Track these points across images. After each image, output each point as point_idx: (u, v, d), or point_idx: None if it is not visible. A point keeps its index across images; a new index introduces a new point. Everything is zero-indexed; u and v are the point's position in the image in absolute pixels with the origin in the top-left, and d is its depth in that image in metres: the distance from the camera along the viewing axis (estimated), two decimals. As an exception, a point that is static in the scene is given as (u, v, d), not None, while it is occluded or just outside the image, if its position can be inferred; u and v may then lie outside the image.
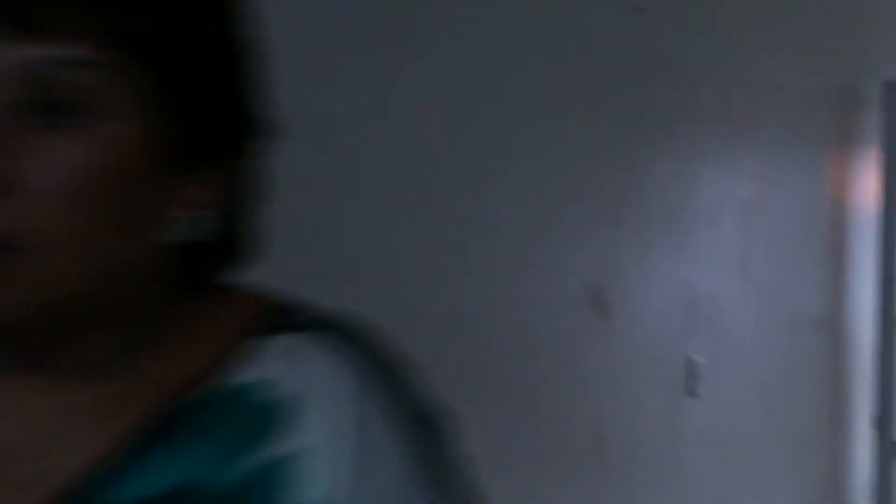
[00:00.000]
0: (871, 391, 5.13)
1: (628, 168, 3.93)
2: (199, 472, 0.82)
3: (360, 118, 3.10)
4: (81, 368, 0.83)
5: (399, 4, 3.21)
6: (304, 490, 0.84)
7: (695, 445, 4.03)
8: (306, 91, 2.69)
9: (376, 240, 3.15)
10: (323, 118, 2.91)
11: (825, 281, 5.12)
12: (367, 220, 3.13)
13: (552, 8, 3.64)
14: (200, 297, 0.91)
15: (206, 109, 0.84)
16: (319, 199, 2.92)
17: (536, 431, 3.52)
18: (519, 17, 3.55)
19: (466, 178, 3.42)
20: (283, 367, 0.87)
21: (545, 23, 3.62)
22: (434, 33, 3.31)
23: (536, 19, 3.60)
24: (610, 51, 3.87)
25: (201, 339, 0.89)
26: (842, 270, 5.21)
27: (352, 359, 0.90)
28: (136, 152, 0.78)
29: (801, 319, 4.90)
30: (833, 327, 5.17)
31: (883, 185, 5.12)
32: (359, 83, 3.09)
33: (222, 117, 0.87)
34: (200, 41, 0.83)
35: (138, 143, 0.78)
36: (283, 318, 0.92)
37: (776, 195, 4.64)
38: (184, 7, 0.83)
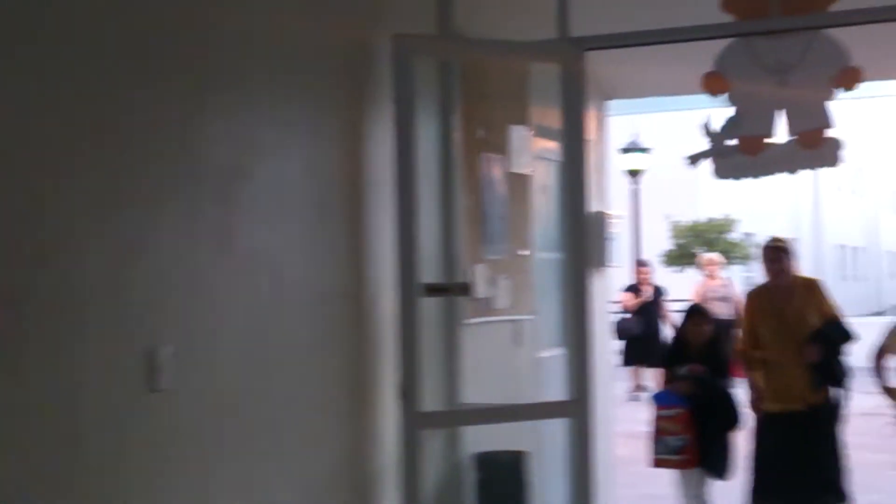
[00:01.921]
0: (395, 362, 4.93)
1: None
2: None
3: None
4: None
5: None
6: None
7: (167, 442, 3.62)
8: None
9: None
10: None
11: (341, 249, 4.84)
12: None
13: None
14: None
15: None
16: None
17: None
18: None
19: None
20: None
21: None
22: None
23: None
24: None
25: None
26: (359, 238, 4.96)
27: None
28: None
29: (315, 292, 4.59)
30: (353, 298, 4.91)
31: (397, 144, 4.89)
32: None
33: None
34: None
35: None
36: None
37: (271, 160, 4.28)
38: None
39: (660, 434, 7.38)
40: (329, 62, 4.80)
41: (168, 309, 3.69)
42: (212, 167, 3.93)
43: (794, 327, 6.94)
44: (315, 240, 4.62)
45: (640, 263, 16.06)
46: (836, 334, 6.96)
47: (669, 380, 7.64)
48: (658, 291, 15.34)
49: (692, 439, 7.26)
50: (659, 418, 7.41)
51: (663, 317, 15.17)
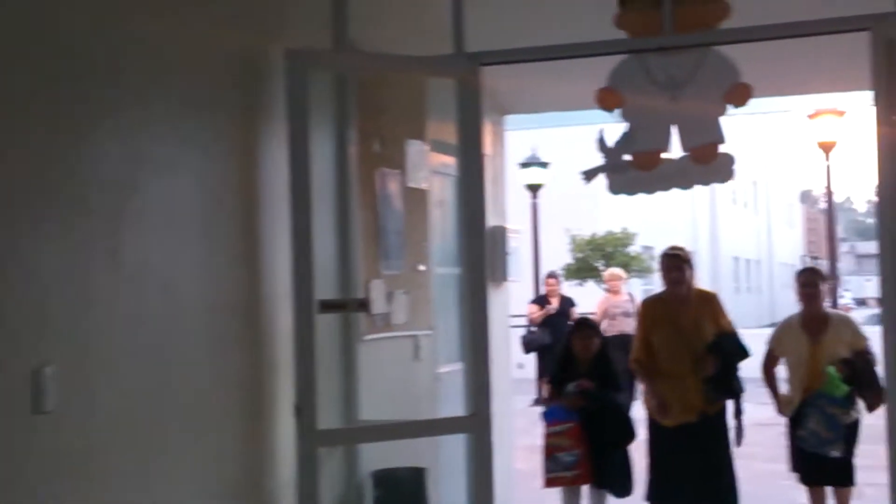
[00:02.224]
0: (292, 379, 4.87)
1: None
2: None
3: None
4: None
5: None
6: None
7: (54, 466, 3.52)
8: None
9: None
10: None
11: (236, 265, 4.77)
12: None
13: None
14: None
15: None
16: None
17: None
18: None
19: None
20: None
21: None
22: None
23: None
24: None
25: None
26: (255, 253, 4.89)
27: None
28: None
29: (209, 307, 4.51)
30: (248, 314, 4.84)
31: (291, 158, 4.84)
32: None
33: None
34: None
35: None
36: None
37: (162, 174, 4.20)
38: None
39: (551, 451, 7.05)
40: (223, 77, 4.74)
41: (53, 326, 3.59)
42: (100, 182, 3.84)
43: (688, 339, 6.87)
44: (208, 255, 4.55)
45: (549, 275, 16.04)
46: (731, 347, 6.89)
47: (556, 396, 7.27)
48: (567, 302, 15.37)
49: (584, 453, 6.98)
50: (549, 435, 7.09)
51: None
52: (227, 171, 4.73)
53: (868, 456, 6.60)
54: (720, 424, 6.94)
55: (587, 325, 7.57)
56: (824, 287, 7.17)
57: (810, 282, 7.10)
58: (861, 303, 50.67)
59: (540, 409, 7.59)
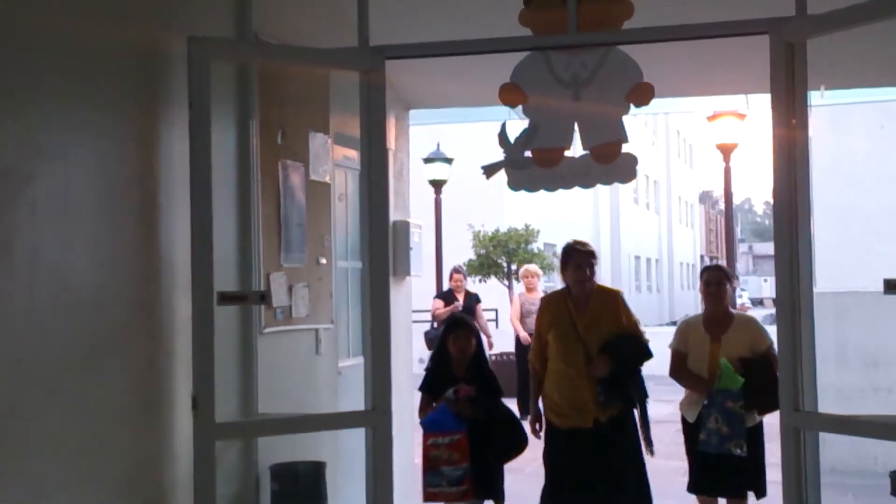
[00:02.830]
0: (190, 371, 4.81)
1: None
2: None
3: None
4: None
5: None
6: None
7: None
8: None
9: None
10: None
11: (134, 255, 4.69)
12: None
13: None
14: None
15: None
16: None
17: None
18: None
19: None
20: None
21: None
22: None
23: None
24: None
25: None
26: (153, 243, 4.81)
27: None
28: None
29: (103, 298, 4.43)
30: (145, 305, 4.76)
31: (192, 148, 4.78)
32: None
33: None
34: None
35: None
36: None
37: (57, 163, 4.11)
38: None
39: (434, 464, 6.38)
40: (122, 63, 4.64)
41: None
42: (-9, 168, 3.74)
43: (584, 338, 6.38)
44: (104, 245, 4.46)
45: (455, 270, 15.59)
46: (629, 349, 6.37)
47: (430, 403, 6.61)
48: (473, 298, 14.95)
49: (470, 467, 6.36)
50: (432, 446, 6.39)
51: (479, 325, 14.65)
52: (126, 161, 4.64)
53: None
54: (618, 432, 6.40)
55: (463, 324, 6.78)
56: (729, 286, 6.87)
57: (715, 280, 6.77)
58: (758, 303, 51.80)
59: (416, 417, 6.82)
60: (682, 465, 7.07)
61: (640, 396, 6.47)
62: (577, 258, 6.51)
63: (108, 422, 4.44)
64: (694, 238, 57.75)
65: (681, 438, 7.00)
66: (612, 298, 6.58)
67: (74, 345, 4.22)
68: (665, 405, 7.06)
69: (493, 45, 5.23)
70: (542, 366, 6.60)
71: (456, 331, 6.66)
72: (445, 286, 16.10)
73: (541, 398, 6.67)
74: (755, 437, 6.50)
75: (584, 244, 6.65)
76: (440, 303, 14.79)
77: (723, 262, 25.32)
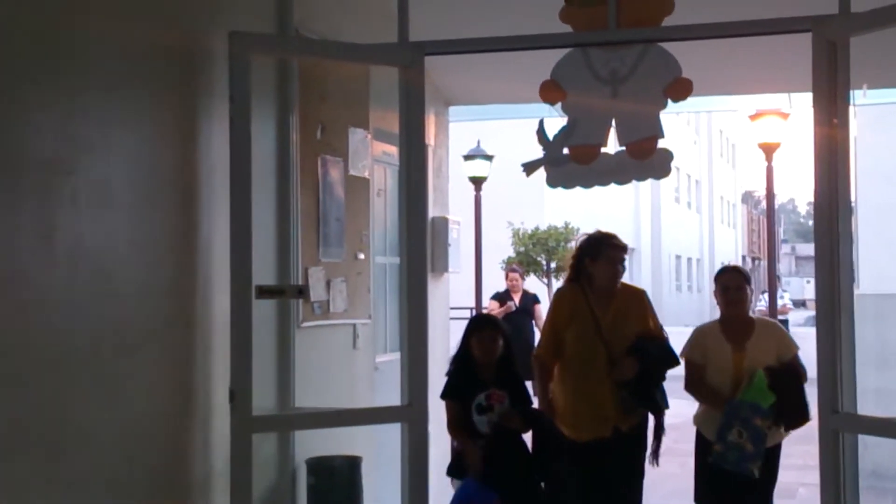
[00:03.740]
0: (227, 364, 4.84)
1: None
2: None
3: None
4: None
5: None
6: None
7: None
8: None
9: None
10: None
11: (173, 248, 4.72)
12: None
13: None
14: None
15: None
16: None
17: None
18: None
19: None
20: None
21: None
22: None
23: None
24: None
25: None
26: (192, 236, 4.85)
27: None
28: None
29: (142, 290, 4.46)
30: (184, 297, 4.79)
31: (232, 142, 4.81)
32: None
33: None
34: None
35: None
36: None
37: (99, 155, 4.15)
38: None
39: None
40: (164, 57, 4.68)
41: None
42: (32, 160, 3.78)
43: (607, 338, 5.71)
44: (144, 236, 4.50)
45: (511, 269, 14.93)
46: (657, 352, 5.78)
47: (456, 413, 5.59)
48: (530, 299, 14.26)
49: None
50: None
51: (539, 327, 13.08)
52: (166, 154, 4.68)
53: (798, 456, 6.44)
54: (636, 445, 5.84)
55: (488, 323, 5.83)
56: (749, 289, 5.99)
57: (735, 284, 5.93)
58: (800, 304, 51.38)
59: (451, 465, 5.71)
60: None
61: (664, 403, 5.85)
62: (611, 252, 5.87)
63: (144, 413, 4.48)
64: (736, 238, 57.38)
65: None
66: (638, 297, 5.98)
67: (113, 336, 4.26)
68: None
69: (533, 41, 5.23)
70: (552, 364, 5.89)
71: (480, 330, 5.66)
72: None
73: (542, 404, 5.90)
74: (773, 458, 5.79)
75: (613, 236, 6.02)
76: (495, 304, 14.06)
77: (765, 263, 25.13)
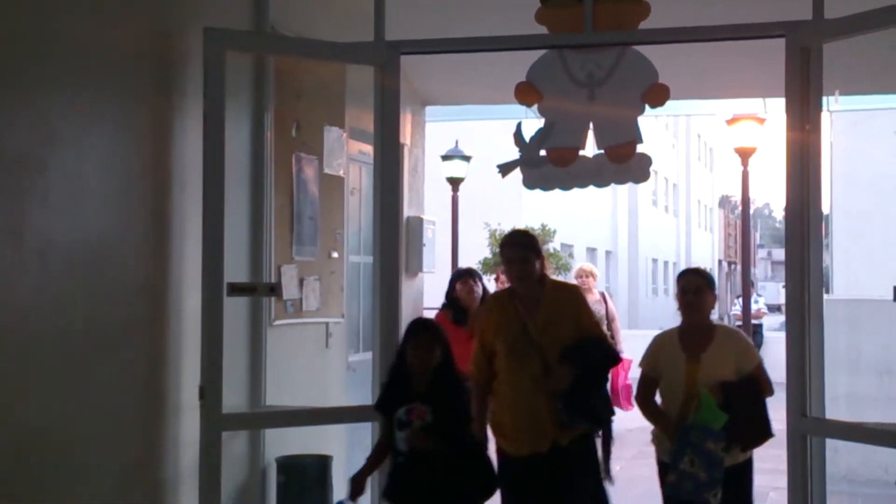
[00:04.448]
0: (198, 362, 4.82)
1: None
2: None
3: None
4: None
5: None
6: None
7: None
8: None
9: None
10: None
11: (144, 245, 4.71)
12: None
13: None
14: None
15: None
16: None
17: None
18: None
19: None
20: None
21: None
22: None
23: None
24: None
25: None
26: (163, 233, 4.83)
27: None
28: None
29: (113, 287, 4.45)
30: (155, 295, 4.78)
31: (206, 139, 4.79)
32: None
33: None
34: None
35: None
36: None
37: (71, 152, 4.13)
38: None
39: None
40: (137, 53, 4.66)
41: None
42: (3, 156, 3.75)
43: (539, 344, 5.01)
44: (116, 233, 4.48)
45: (503, 272, 13.97)
46: (596, 354, 5.14)
47: (385, 427, 4.92)
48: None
49: None
50: None
51: None
52: (139, 151, 4.67)
53: (770, 460, 6.36)
54: (581, 458, 5.11)
55: (425, 329, 4.96)
56: (711, 294, 5.29)
57: (693, 286, 5.24)
58: (776, 309, 51.56)
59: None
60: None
61: (606, 413, 5.24)
62: (506, 251, 5.22)
63: (114, 411, 4.46)
64: (712, 242, 57.57)
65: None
66: (570, 295, 5.31)
67: (83, 334, 4.24)
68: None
69: (509, 42, 5.23)
70: (486, 380, 5.19)
71: (416, 337, 4.86)
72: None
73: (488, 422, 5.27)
74: (741, 477, 5.13)
75: (512, 233, 5.42)
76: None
77: (740, 267, 25.16)
